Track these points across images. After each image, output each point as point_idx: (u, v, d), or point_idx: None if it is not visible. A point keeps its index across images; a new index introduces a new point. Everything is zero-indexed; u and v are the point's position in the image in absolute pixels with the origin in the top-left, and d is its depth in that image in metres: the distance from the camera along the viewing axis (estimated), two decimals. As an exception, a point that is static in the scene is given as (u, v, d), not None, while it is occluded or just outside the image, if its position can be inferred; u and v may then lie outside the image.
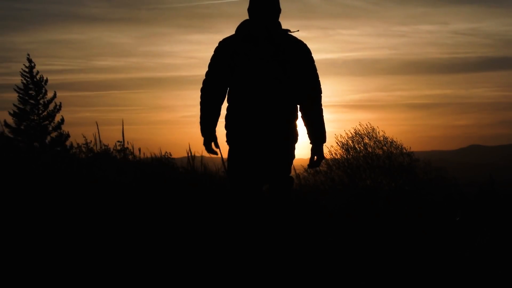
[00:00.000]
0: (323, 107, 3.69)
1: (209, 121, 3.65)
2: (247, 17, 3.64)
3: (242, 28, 3.60)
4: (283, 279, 3.35)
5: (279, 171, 3.60)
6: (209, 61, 3.64)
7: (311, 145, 3.68)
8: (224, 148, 3.76)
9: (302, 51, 3.60)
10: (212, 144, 3.70)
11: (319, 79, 3.64)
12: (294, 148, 3.65)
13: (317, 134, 3.65)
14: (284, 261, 3.54)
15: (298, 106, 3.66)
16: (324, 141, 3.69)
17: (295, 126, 3.65)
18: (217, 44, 3.65)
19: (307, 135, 3.70)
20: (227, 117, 3.65)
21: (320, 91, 3.65)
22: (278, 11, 3.58)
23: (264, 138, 3.53)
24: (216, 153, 3.72)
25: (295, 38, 3.63)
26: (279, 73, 3.52)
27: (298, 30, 3.63)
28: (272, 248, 3.58)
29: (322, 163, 4.09)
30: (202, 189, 5.11)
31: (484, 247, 3.98)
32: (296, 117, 3.66)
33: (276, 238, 3.59)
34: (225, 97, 3.66)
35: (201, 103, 3.67)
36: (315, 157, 3.67)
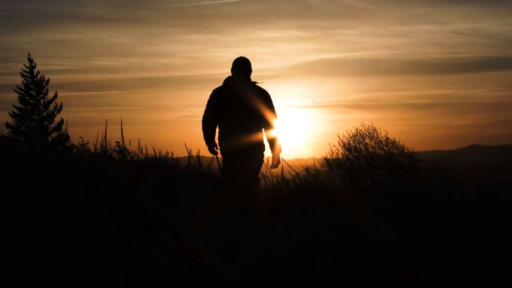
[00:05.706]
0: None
1: (209, 138, 5.63)
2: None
3: (227, 81, 5.59)
4: (283, 278, 3.36)
5: (253, 171, 5.50)
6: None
7: (271, 153, 5.63)
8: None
9: (264, 96, 5.58)
10: (214, 147, 5.60)
11: (275, 112, 5.60)
12: (263, 155, 5.59)
13: (274, 147, 5.60)
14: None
15: (263, 128, 5.59)
16: (280, 151, 5.65)
17: (262, 140, 5.59)
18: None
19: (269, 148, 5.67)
20: (219, 137, 5.60)
21: (275, 120, 5.57)
22: (250, 71, 5.57)
23: (243, 148, 5.42)
24: (216, 153, 5.58)
25: (260, 87, 5.59)
26: (250, 109, 5.46)
27: (262, 82, 5.62)
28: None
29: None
30: (204, 187, 5.12)
31: (484, 247, 3.99)
32: (262, 135, 5.58)
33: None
34: (217, 124, 5.60)
35: (203, 129, 5.62)
36: (274, 162, 5.64)
